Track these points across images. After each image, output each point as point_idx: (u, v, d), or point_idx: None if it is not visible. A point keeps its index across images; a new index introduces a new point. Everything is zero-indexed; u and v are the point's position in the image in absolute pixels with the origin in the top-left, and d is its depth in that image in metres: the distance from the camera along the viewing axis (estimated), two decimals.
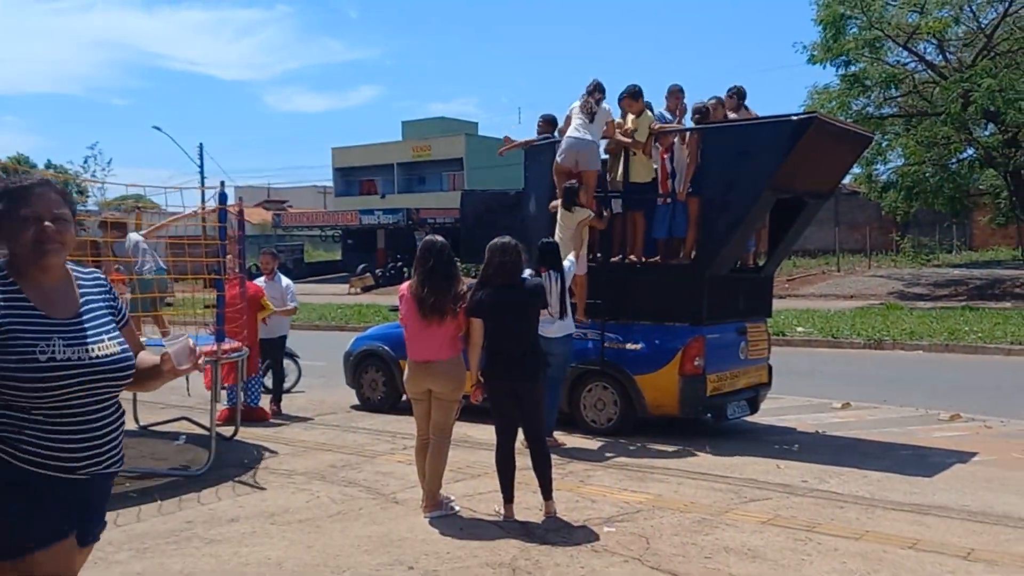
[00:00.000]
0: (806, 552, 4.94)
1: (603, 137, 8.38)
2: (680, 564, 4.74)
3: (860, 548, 5.00)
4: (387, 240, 46.08)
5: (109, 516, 5.53)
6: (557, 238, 7.98)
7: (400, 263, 39.04)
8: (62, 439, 2.30)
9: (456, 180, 47.10)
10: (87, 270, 2.51)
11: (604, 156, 8.70)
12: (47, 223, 2.30)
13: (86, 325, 2.36)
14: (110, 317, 2.46)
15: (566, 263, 7.70)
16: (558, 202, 8.16)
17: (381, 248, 45.75)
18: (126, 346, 2.44)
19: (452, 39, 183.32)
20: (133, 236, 9.43)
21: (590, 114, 8.07)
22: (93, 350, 2.33)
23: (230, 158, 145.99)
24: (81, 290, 2.44)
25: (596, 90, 8.11)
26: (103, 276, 2.56)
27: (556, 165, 8.26)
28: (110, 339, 2.40)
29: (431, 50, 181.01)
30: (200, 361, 2.48)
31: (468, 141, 47.91)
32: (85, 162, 46.51)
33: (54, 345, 2.27)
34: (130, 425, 8.75)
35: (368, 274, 38.18)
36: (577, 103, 8.17)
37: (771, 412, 9.38)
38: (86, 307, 2.40)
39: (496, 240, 5.68)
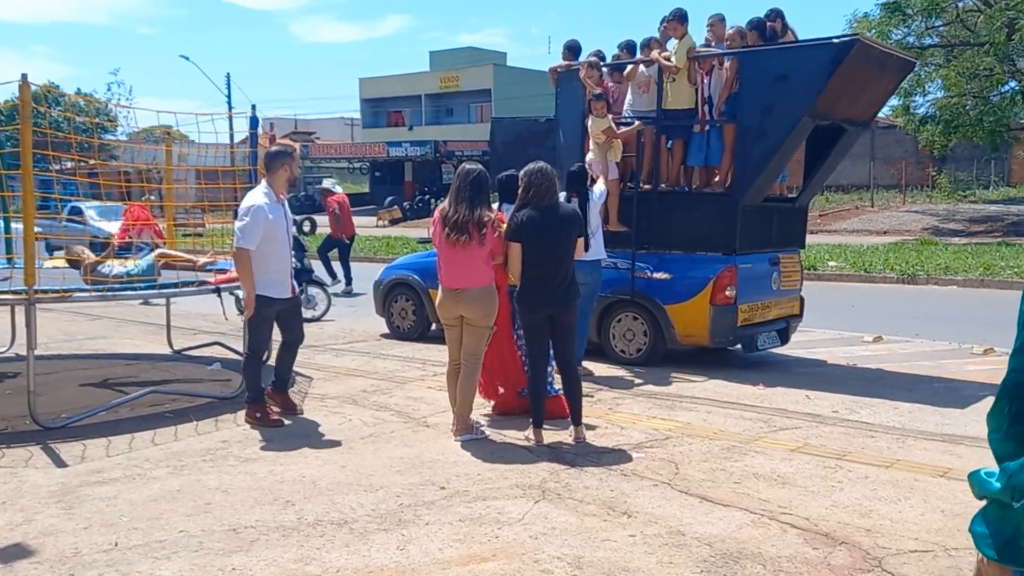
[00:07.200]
0: (836, 479, 4.94)
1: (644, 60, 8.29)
2: (710, 489, 4.76)
3: (891, 476, 4.99)
4: (415, 172, 45.93)
5: (147, 435, 5.69)
6: (590, 147, 8.07)
7: (428, 195, 38.95)
8: None
9: (484, 111, 46.64)
10: None
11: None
12: None
13: None
14: None
15: (597, 188, 7.63)
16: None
17: (409, 180, 45.63)
18: None
19: None
20: None
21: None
22: None
23: (257, 89, 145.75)
24: None
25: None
26: None
27: None
28: None
29: None
30: None
31: (496, 71, 47.29)
32: (108, 89, 46.11)
33: None
34: (164, 350, 8.89)
35: (396, 207, 38.13)
36: None
37: (801, 344, 9.33)
38: None
39: (530, 165, 5.63)
